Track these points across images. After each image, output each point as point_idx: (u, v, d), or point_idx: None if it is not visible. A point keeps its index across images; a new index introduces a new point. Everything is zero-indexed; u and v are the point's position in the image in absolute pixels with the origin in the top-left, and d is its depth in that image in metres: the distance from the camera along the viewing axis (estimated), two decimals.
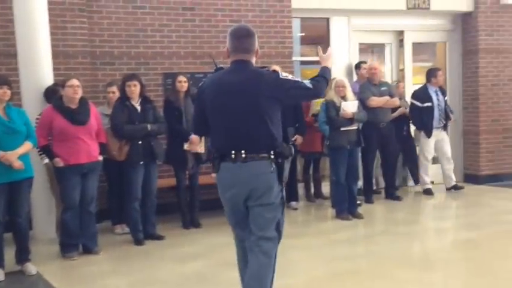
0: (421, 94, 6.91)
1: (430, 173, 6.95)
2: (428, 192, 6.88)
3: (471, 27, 7.57)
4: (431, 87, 6.87)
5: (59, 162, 4.41)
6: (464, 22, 7.69)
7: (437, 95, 6.82)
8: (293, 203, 6.28)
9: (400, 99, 6.79)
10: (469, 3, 7.49)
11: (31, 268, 4.14)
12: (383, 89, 6.55)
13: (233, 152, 2.84)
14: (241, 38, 2.92)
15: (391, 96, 6.57)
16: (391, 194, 6.61)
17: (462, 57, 7.77)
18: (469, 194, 6.85)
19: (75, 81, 4.46)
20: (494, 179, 7.30)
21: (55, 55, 5.33)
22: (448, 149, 6.90)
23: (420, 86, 7.08)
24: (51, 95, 4.83)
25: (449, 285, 3.87)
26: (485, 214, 5.87)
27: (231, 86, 2.84)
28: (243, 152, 2.83)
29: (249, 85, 2.84)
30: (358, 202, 6.15)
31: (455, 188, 6.87)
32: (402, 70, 7.65)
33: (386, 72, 7.58)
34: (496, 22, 7.54)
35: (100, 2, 5.89)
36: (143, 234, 4.97)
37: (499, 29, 7.55)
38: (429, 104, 6.78)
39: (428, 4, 7.32)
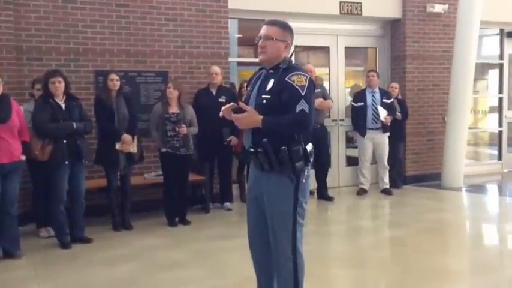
0: (357, 94, 7.21)
1: (367, 173, 7.18)
2: (360, 192, 7.13)
3: (399, 33, 7.92)
4: (368, 88, 7.13)
5: None
6: (393, 28, 8.03)
7: (373, 96, 7.07)
8: (227, 204, 6.29)
9: (394, 99, 7.13)
10: (398, 11, 7.83)
11: None
12: (317, 91, 6.69)
13: None
14: None
15: (325, 98, 6.75)
16: (323, 194, 6.79)
17: (391, 63, 8.11)
18: (396, 194, 7.16)
19: None
20: (418, 179, 7.66)
21: None
22: (384, 153, 7.13)
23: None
24: None
25: (377, 281, 4.01)
26: (409, 213, 6.15)
27: None
28: None
29: None
30: None
31: (386, 192, 7.14)
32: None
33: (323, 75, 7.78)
34: (423, 30, 7.93)
35: None
36: (70, 237, 4.80)
37: (424, 36, 7.94)
38: (361, 103, 7.04)
39: (360, 10, 7.58)
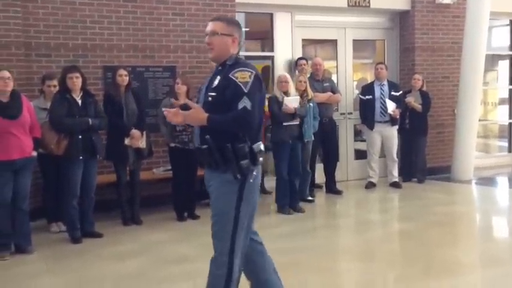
0: (365, 87, 7.18)
1: (375, 167, 7.14)
2: (368, 185, 7.11)
3: (408, 25, 7.86)
4: (376, 81, 7.10)
5: None
6: (402, 20, 7.96)
7: (381, 89, 7.03)
8: None
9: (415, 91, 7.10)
10: (407, 2, 7.76)
11: None
12: (326, 84, 6.71)
13: None
14: None
15: (334, 92, 6.73)
16: (332, 188, 6.78)
17: (399, 55, 8.05)
18: (405, 187, 7.13)
19: (5, 73, 4.26)
20: (428, 172, 7.62)
21: None
22: (392, 146, 7.09)
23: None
24: None
25: (387, 275, 4.01)
26: (418, 206, 6.13)
27: None
28: None
29: None
30: (311, 198, 6.27)
31: (395, 185, 7.11)
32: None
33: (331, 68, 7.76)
34: (432, 21, 7.85)
35: None
36: (81, 232, 4.84)
37: (433, 28, 7.87)
38: (370, 96, 7.01)
39: (369, 2, 7.52)
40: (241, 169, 2.57)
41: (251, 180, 2.62)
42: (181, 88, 5.46)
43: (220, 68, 2.70)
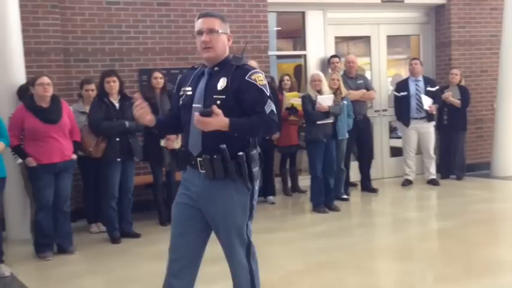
0: (400, 84, 7.06)
1: (412, 164, 7.02)
2: (405, 183, 7.00)
3: (444, 19, 7.68)
4: (411, 77, 6.98)
5: (32, 162, 4.36)
6: (438, 15, 7.79)
7: (417, 85, 6.90)
8: (270, 197, 6.32)
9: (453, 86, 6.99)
10: None
11: (4, 269, 4.09)
12: (359, 82, 6.64)
13: None
14: None
15: (368, 89, 6.65)
16: (367, 186, 6.71)
17: (435, 50, 7.88)
18: (443, 184, 6.98)
19: (45, 79, 4.39)
20: (466, 169, 7.43)
21: (27, 52, 5.25)
22: (429, 143, 6.95)
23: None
24: (24, 93, 4.75)
25: (425, 274, 3.95)
26: (458, 204, 5.99)
27: None
28: None
29: None
30: (346, 197, 6.23)
31: (432, 182, 6.97)
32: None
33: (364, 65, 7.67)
34: (469, 14, 7.65)
35: None
36: (119, 232, 4.96)
37: (471, 21, 7.67)
38: (405, 93, 6.89)
39: None
40: (252, 177, 2.47)
41: (256, 188, 2.55)
42: None
43: (217, 68, 2.52)
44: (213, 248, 4.57)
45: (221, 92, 2.46)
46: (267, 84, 2.52)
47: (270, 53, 6.84)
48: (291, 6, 7.06)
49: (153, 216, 5.53)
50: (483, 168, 7.58)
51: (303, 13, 7.22)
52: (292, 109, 6.30)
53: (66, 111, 4.55)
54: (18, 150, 4.45)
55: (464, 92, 7.13)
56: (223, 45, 2.53)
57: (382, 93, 7.60)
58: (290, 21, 7.62)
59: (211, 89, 2.49)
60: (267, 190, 6.34)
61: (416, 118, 6.89)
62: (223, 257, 4.31)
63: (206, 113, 2.39)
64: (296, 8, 7.17)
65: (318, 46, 7.26)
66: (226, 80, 2.47)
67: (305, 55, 7.30)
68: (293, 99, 6.33)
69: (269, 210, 6.09)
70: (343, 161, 6.18)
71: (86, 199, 5.40)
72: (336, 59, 6.80)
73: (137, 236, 5.03)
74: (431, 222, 5.58)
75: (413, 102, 6.88)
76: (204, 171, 2.49)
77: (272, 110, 2.49)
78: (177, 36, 6.27)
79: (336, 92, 5.84)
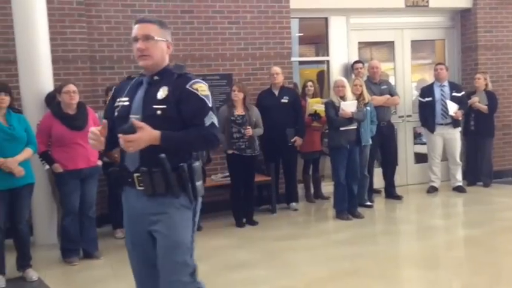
0: (425, 89, 6.97)
1: (437, 171, 6.91)
2: (430, 190, 6.90)
3: (470, 23, 7.56)
4: (436, 82, 6.89)
5: (58, 168, 4.44)
6: (463, 19, 7.68)
7: (442, 90, 6.81)
8: (293, 204, 6.30)
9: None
10: (468, 0, 7.48)
11: (32, 274, 4.18)
12: (383, 87, 6.58)
13: None
14: None
15: (392, 94, 6.59)
16: (391, 193, 6.63)
17: (461, 54, 7.76)
18: (471, 191, 6.85)
19: (71, 87, 4.47)
20: (494, 176, 7.27)
21: (55, 60, 5.35)
22: (455, 149, 6.84)
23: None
24: (52, 100, 4.85)
25: (451, 283, 3.88)
26: (485, 211, 5.88)
27: None
28: None
29: None
30: (370, 203, 6.17)
31: (459, 189, 6.85)
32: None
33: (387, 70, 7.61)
34: (495, 18, 7.52)
35: (99, 7, 5.91)
36: None
37: (497, 25, 7.54)
38: (430, 98, 6.80)
39: (427, 2, 7.32)
40: (195, 191, 2.31)
41: (199, 203, 2.40)
42: (238, 95, 5.53)
43: (157, 77, 2.37)
44: (233, 255, 4.62)
45: (161, 102, 2.29)
46: (210, 96, 2.34)
47: (292, 59, 6.84)
48: (314, 12, 7.05)
49: None
50: (511, 175, 7.42)
51: (326, 19, 7.20)
52: (315, 115, 6.29)
53: (92, 118, 4.63)
54: (46, 157, 4.54)
55: (491, 98, 7.00)
56: (162, 53, 2.38)
57: (407, 98, 7.52)
58: (312, 27, 7.61)
59: (151, 98, 2.32)
60: (289, 196, 6.32)
61: (441, 124, 6.79)
62: (244, 264, 4.35)
63: (128, 129, 2.18)
64: (319, 14, 7.15)
65: (341, 52, 7.23)
66: (167, 89, 2.31)
67: (328, 61, 7.27)
68: (316, 105, 6.32)
69: (292, 216, 6.07)
70: (366, 167, 6.13)
71: (110, 205, 5.46)
72: (360, 65, 6.76)
73: None
74: (458, 230, 5.48)
75: (438, 108, 6.79)
76: (142, 188, 2.30)
77: (212, 123, 2.30)
78: (200, 43, 6.32)
79: (358, 97, 5.80)
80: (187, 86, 2.30)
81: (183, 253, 2.33)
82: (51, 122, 4.45)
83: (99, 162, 4.67)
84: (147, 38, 2.35)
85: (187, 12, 6.26)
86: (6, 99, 4.08)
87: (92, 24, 5.89)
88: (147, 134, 2.19)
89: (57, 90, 4.64)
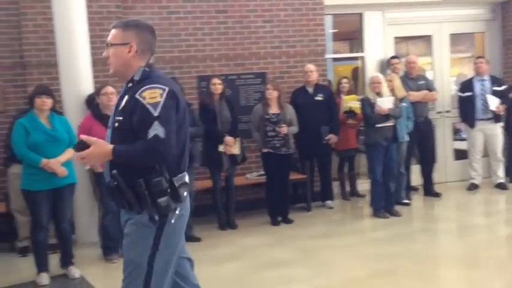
0: (465, 84, 6.80)
1: (478, 167, 6.73)
2: (471, 187, 6.72)
3: (511, 15, 7.31)
4: (476, 76, 6.70)
5: (98, 168, 4.55)
6: (504, 10, 7.42)
7: (482, 84, 6.62)
8: (328, 202, 6.26)
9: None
10: None
11: (75, 271, 4.31)
12: (420, 83, 6.45)
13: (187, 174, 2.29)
14: (155, 35, 2.35)
15: (429, 90, 6.45)
16: (430, 190, 6.49)
17: (502, 47, 7.52)
18: None
19: (109, 89, 4.59)
20: None
21: (94, 63, 5.48)
22: (496, 145, 6.64)
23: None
24: (92, 102, 4.98)
25: (493, 283, 3.78)
26: None
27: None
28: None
29: None
30: (407, 201, 6.07)
31: (500, 186, 6.65)
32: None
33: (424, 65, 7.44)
34: None
35: (136, 9, 6.03)
36: None
37: None
38: (469, 93, 6.62)
39: None
40: (159, 209, 2.12)
41: (172, 221, 2.17)
42: (272, 94, 5.54)
43: (130, 85, 2.24)
44: (269, 253, 4.64)
45: (120, 113, 2.20)
46: (167, 101, 2.12)
47: (326, 56, 6.79)
48: (349, 8, 6.98)
49: (212, 221, 5.63)
50: None
51: (361, 14, 7.11)
52: (350, 112, 6.23)
53: None
54: None
55: None
56: (120, 58, 2.23)
57: (445, 93, 7.34)
58: (346, 23, 7.53)
59: (117, 109, 2.25)
60: (324, 194, 6.29)
61: (482, 119, 6.60)
62: (280, 262, 4.36)
63: (80, 145, 2.16)
64: (354, 10, 7.07)
65: (376, 47, 7.12)
66: (127, 97, 2.20)
67: (363, 57, 7.19)
68: (351, 102, 6.25)
69: (327, 214, 6.04)
70: (403, 164, 6.03)
71: None
72: (396, 60, 6.65)
73: (198, 240, 5.14)
74: (500, 228, 5.32)
75: (478, 103, 6.60)
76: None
77: (156, 135, 2.08)
78: (235, 43, 6.35)
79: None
80: (137, 95, 2.14)
81: (134, 278, 2.20)
82: (92, 123, 4.57)
83: None
84: (108, 45, 2.28)
85: (221, 12, 6.30)
86: (49, 102, 4.21)
87: None
88: (98, 149, 2.13)
89: (96, 92, 4.76)
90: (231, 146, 5.40)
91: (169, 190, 2.14)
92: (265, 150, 5.56)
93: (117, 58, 2.24)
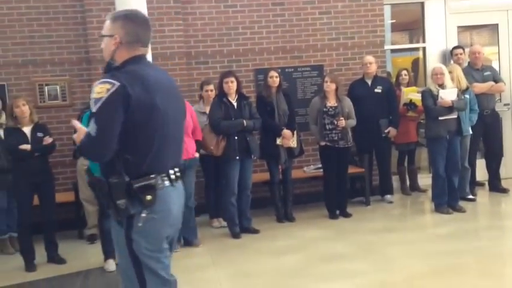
0: None
1: None
2: None
3: None
4: None
5: None
6: None
7: None
8: (388, 196, 6.12)
9: None
10: None
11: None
12: (486, 73, 6.17)
13: (173, 171, 2.23)
14: (150, 27, 2.28)
15: (496, 81, 6.16)
16: (496, 186, 6.21)
17: None
18: None
19: None
20: None
21: (154, 57, 5.57)
22: None
23: None
24: None
25: None
26: None
27: (166, 85, 2.26)
28: (176, 170, 2.25)
29: (176, 87, 2.37)
30: (472, 197, 5.85)
31: None
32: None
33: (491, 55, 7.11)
34: None
35: (194, 4, 6.11)
36: (239, 227, 5.13)
37: None
38: None
39: None
40: (118, 211, 2.08)
41: (139, 224, 2.10)
42: (330, 86, 5.47)
43: None
44: (329, 247, 4.59)
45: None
46: (110, 98, 2.02)
47: (385, 47, 6.62)
48: None
49: (270, 213, 5.64)
50: None
51: (422, 3, 6.88)
52: (410, 105, 6.05)
53: (189, 112, 4.80)
54: None
55: None
56: (107, 50, 2.22)
57: None
58: (405, 12, 7.30)
59: None
60: (384, 189, 6.16)
61: None
62: (340, 256, 4.32)
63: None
64: None
65: (438, 37, 6.87)
66: None
67: (424, 48, 6.95)
68: (411, 94, 6.08)
69: (387, 209, 5.91)
70: (466, 158, 5.79)
71: (207, 195, 5.66)
72: (459, 50, 6.39)
73: (256, 231, 5.17)
74: None
75: None
76: None
77: (88, 133, 2.05)
78: (291, 35, 6.32)
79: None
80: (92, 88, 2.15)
81: (125, 268, 2.22)
82: None
83: (197, 155, 4.84)
84: (101, 36, 2.29)
85: (278, 5, 6.28)
86: None
87: (188, 21, 6.10)
88: (78, 137, 2.14)
89: None
90: (289, 139, 5.38)
91: (127, 193, 2.06)
92: (322, 144, 5.51)
93: (105, 49, 2.24)
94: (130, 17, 2.22)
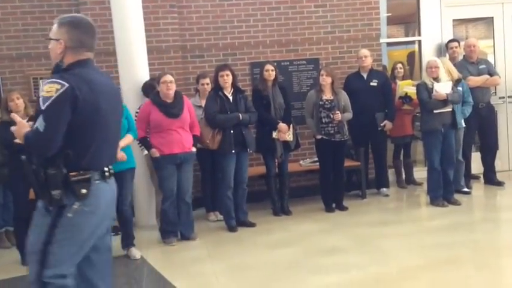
0: None
1: None
2: None
3: None
4: None
5: (155, 153, 4.67)
6: None
7: None
8: (383, 190, 6.15)
9: None
10: None
11: (135, 252, 4.47)
12: (481, 67, 6.19)
13: (107, 168, 2.40)
14: (95, 33, 2.45)
15: (491, 74, 6.18)
16: (491, 179, 6.24)
17: None
18: None
19: (167, 78, 4.67)
20: None
21: (149, 51, 5.59)
22: None
23: None
24: (149, 89, 5.08)
25: None
26: None
27: (109, 88, 2.42)
28: (110, 167, 2.43)
29: (118, 90, 2.55)
30: (467, 190, 5.88)
31: None
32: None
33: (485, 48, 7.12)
34: None
35: None
36: (235, 221, 5.14)
37: None
38: None
39: None
40: (52, 200, 2.22)
41: (69, 215, 2.25)
42: (326, 80, 5.46)
43: None
44: (324, 240, 4.61)
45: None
46: (59, 98, 2.16)
47: (381, 40, 6.62)
48: None
49: (267, 206, 5.66)
50: None
51: None
52: (406, 98, 6.07)
53: (187, 106, 4.80)
54: (144, 142, 4.77)
55: None
56: (54, 53, 2.36)
57: (508, 78, 6.98)
58: (401, 6, 7.30)
59: None
60: (379, 182, 6.18)
61: None
62: (336, 249, 4.33)
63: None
64: None
65: (433, 31, 6.87)
66: None
67: (419, 41, 6.96)
68: (407, 87, 6.09)
69: (383, 202, 5.93)
70: (460, 151, 5.82)
71: (203, 189, 5.66)
72: (455, 43, 6.40)
73: (252, 225, 5.18)
74: None
75: None
76: None
77: (36, 128, 2.19)
78: (287, 29, 6.30)
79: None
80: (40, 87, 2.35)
81: (30, 264, 2.31)
82: (150, 110, 4.67)
83: (193, 149, 4.84)
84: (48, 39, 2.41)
85: None
86: None
87: (183, 14, 6.08)
88: (18, 130, 2.29)
89: (156, 80, 4.85)
90: (285, 132, 5.38)
91: (63, 184, 2.21)
92: (319, 137, 5.51)
93: (52, 52, 2.37)
94: (74, 24, 2.36)
